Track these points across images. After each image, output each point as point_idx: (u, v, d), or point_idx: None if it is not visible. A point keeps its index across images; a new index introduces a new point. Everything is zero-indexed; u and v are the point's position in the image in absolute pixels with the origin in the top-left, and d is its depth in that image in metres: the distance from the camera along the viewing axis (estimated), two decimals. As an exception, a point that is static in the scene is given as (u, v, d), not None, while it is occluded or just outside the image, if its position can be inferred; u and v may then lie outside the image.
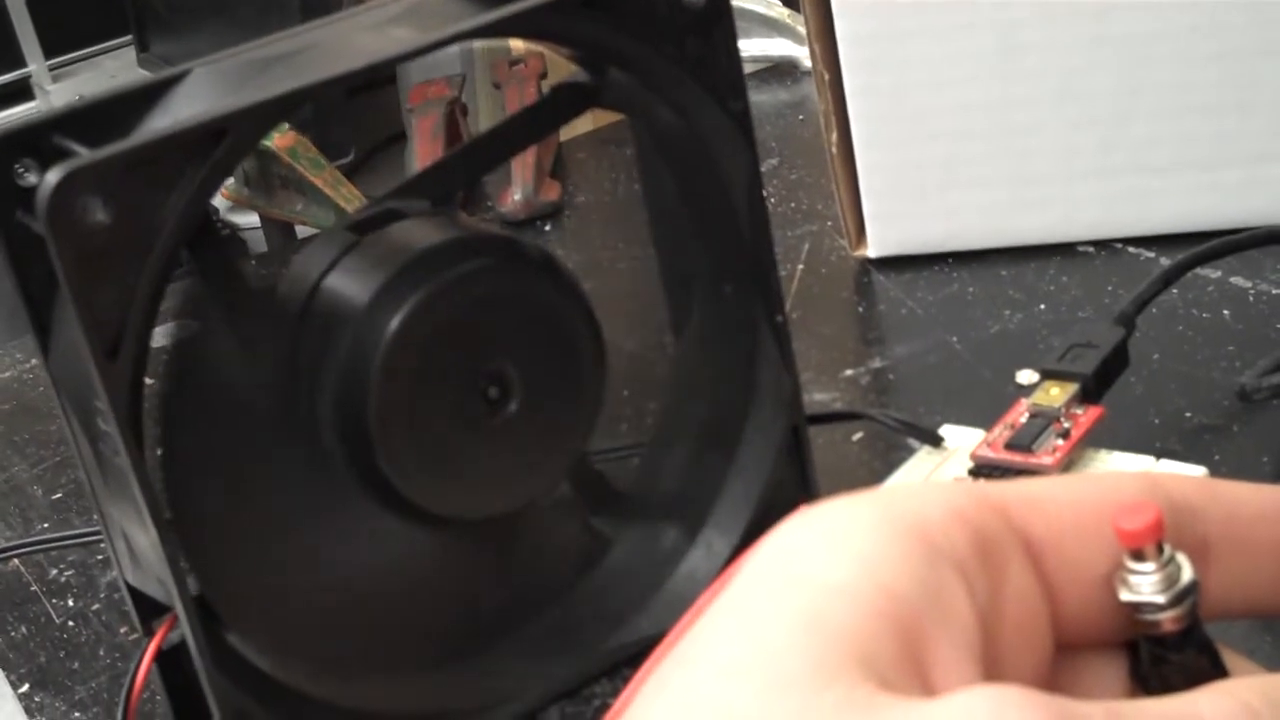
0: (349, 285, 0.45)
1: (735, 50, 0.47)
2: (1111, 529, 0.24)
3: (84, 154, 0.40)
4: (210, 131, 0.39)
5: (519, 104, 0.82)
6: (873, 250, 0.71)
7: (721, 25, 0.47)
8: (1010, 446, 0.51)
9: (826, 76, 0.68)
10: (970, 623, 0.23)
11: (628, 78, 0.48)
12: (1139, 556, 0.24)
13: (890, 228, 0.71)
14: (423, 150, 0.81)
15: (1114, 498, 0.24)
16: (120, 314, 0.39)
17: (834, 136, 0.69)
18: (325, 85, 0.41)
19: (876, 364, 0.64)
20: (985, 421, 0.53)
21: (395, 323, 0.44)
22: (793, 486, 0.52)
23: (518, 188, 0.81)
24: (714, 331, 0.52)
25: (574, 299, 0.47)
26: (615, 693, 0.48)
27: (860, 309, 0.69)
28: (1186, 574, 0.24)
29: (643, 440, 0.54)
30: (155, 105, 0.43)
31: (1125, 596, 0.24)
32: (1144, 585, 0.24)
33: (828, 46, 0.68)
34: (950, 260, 0.70)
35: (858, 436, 0.59)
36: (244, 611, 0.44)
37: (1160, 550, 0.24)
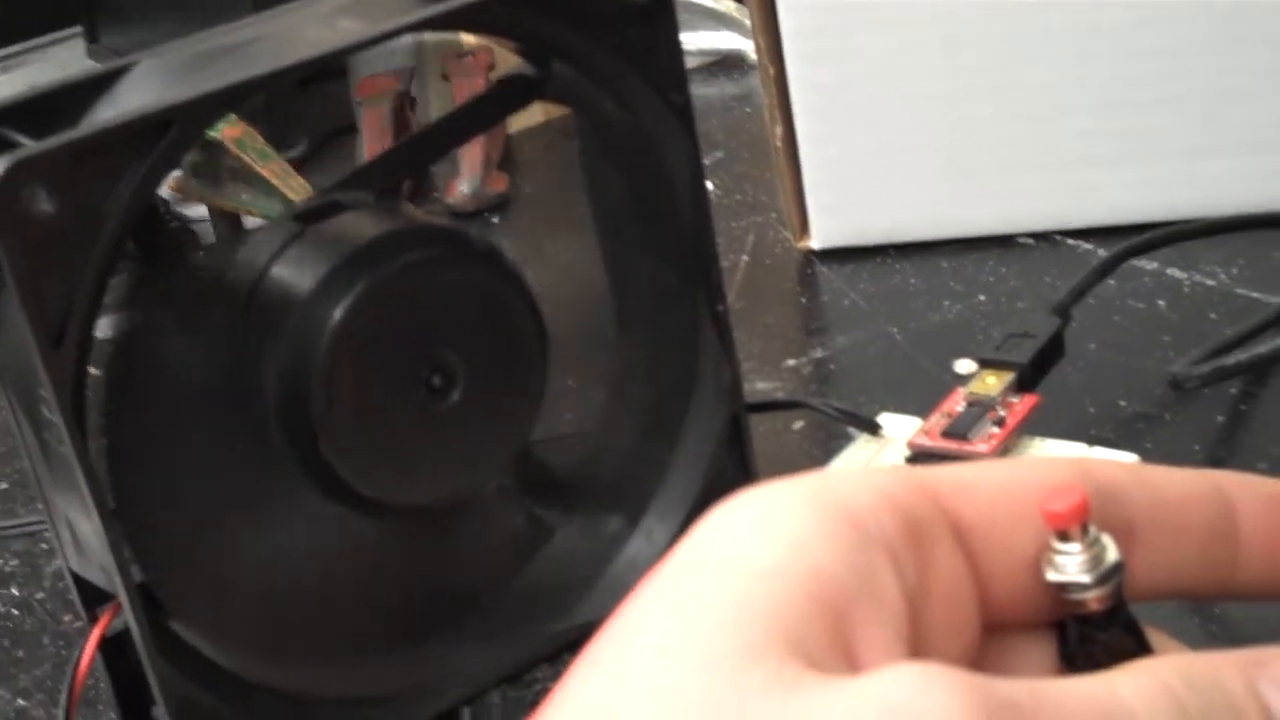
0: (293, 275, 0.45)
1: (677, 43, 0.48)
2: (1038, 512, 0.24)
3: (29, 145, 0.40)
4: (156, 123, 0.40)
5: (467, 96, 0.82)
6: (816, 242, 0.72)
7: (664, 18, 0.47)
8: (947, 434, 0.52)
9: (771, 70, 0.69)
10: (898, 604, 0.23)
11: (571, 70, 0.49)
12: (1065, 538, 0.24)
13: (833, 220, 0.71)
14: (371, 142, 0.82)
15: (1041, 481, 0.25)
16: (65, 303, 0.39)
17: (779, 130, 0.70)
18: (272, 78, 0.41)
19: (818, 354, 0.65)
20: (923, 410, 0.54)
21: (339, 312, 0.44)
22: (733, 475, 0.52)
23: (465, 180, 0.81)
24: (657, 322, 0.53)
25: (517, 289, 0.48)
26: (556, 677, 0.49)
27: (803, 300, 0.70)
28: (1111, 554, 0.24)
29: (585, 429, 0.54)
30: (101, 97, 0.44)
31: (1052, 577, 0.24)
32: (1070, 565, 0.24)
33: (772, 40, 0.68)
34: (892, 252, 0.71)
35: (798, 425, 0.59)
36: (187, 599, 0.44)
37: (1086, 532, 0.24)
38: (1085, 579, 0.24)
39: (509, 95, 0.51)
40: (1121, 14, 0.65)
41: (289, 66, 0.42)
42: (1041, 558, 0.25)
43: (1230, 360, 0.54)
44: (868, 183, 0.70)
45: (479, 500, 0.50)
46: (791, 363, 0.64)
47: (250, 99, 0.42)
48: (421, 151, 0.51)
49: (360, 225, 0.46)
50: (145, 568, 0.43)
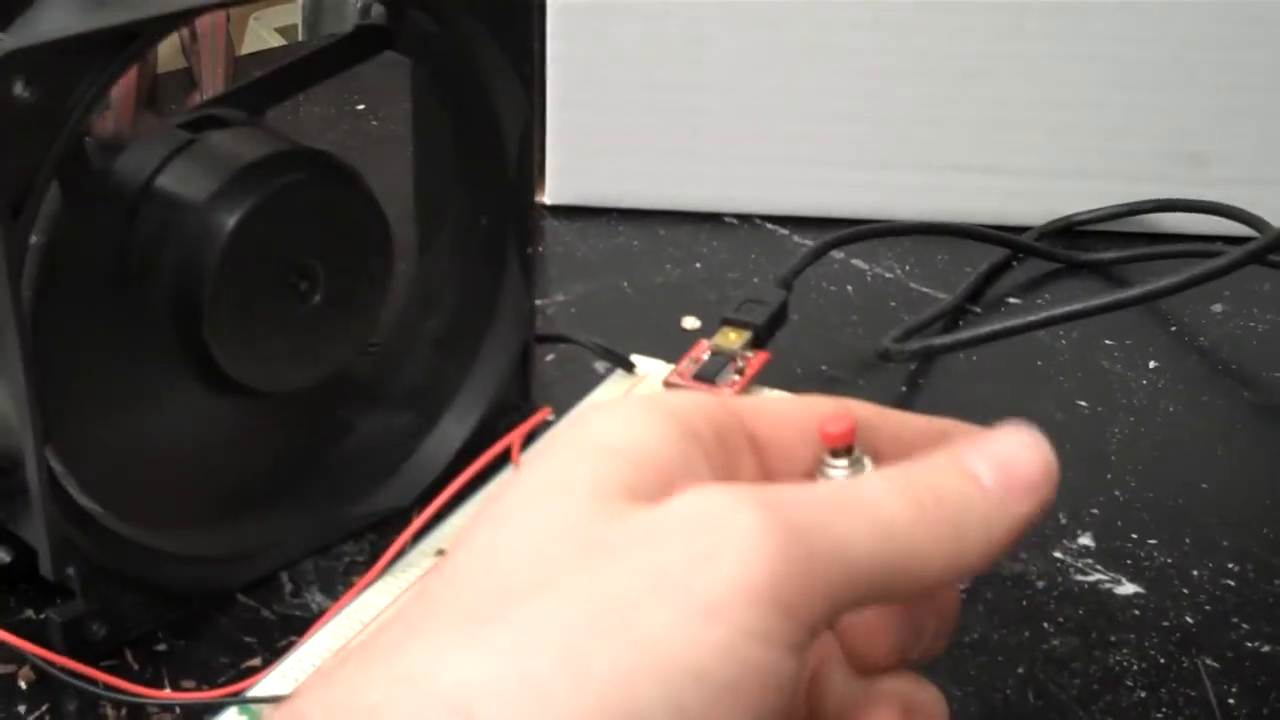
0: (186, 184, 0.51)
1: (532, 21, 0.56)
2: (816, 434, 0.31)
3: (2, 37, 0.45)
4: (125, 33, 0.45)
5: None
6: (549, 198, 0.81)
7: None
8: (697, 377, 0.62)
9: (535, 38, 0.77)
10: (709, 484, 0.30)
11: (428, 26, 0.56)
12: (836, 454, 0.31)
13: (566, 180, 0.80)
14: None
15: (817, 412, 0.32)
16: (27, 181, 0.45)
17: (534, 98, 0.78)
18: (222, 4, 0.48)
19: (560, 298, 0.74)
20: (657, 355, 0.64)
21: (231, 222, 0.51)
22: (516, 392, 0.61)
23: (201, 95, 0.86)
24: (463, 255, 0.61)
25: (373, 207, 0.55)
26: (362, 552, 0.57)
27: (540, 249, 0.78)
28: (869, 470, 0.30)
29: (381, 343, 0.61)
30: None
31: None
32: (839, 477, 0.30)
33: (537, 12, 0.77)
34: (615, 215, 0.81)
35: (550, 358, 0.68)
36: (74, 457, 0.49)
37: (851, 451, 0.30)
38: None
39: (364, 44, 0.58)
40: (839, 37, 0.77)
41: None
42: (816, 470, 0.31)
43: (936, 341, 0.66)
44: (602, 152, 0.80)
45: (301, 394, 0.57)
46: (537, 303, 0.72)
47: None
48: (285, 83, 0.57)
49: (248, 143, 0.53)
50: (46, 427, 0.48)
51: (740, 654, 0.25)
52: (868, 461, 0.31)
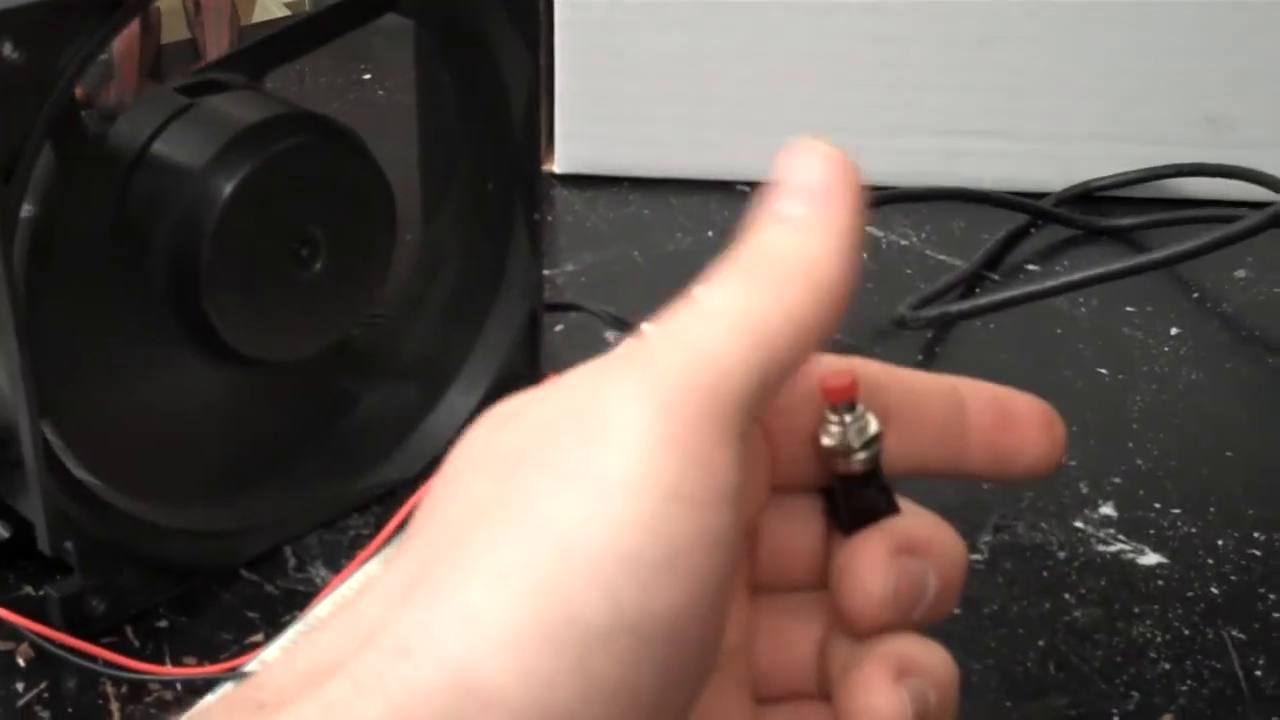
0: (183, 149, 0.50)
1: (536, -18, 0.55)
2: (818, 392, 0.30)
3: (-10, -4, 0.43)
4: (114, -3, 0.44)
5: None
6: (559, 166, 0.79)
7: (525, -43, 0.54)
8: (709, 347, 0.61)
9: (541, 4, 0.76)
10: None
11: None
12: (837, 411, 0.29)
13: (576, 148, 0.79)
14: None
15: (819, 368, 0.30)
16: (18, 144, 0.43)
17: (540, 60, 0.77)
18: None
19: (570, 268, 0.72)
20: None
21: (229, 188, 0.49)
22: (524, 362, 0.60)
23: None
24: (469, 223, 0.59)
25: (374, 172, 0.54)
26: (366, 525, 0.56)
27: (549, 218, 0.77)
28: (873, 426, 0.29)
29: (389, 311, 0.60)
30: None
31: (826, 442, 0.29)
32: (841, 433, 0.29)
33: (545, -22, 0.75)
34: (626, 184, 0.79)
35: (559, 328, 0.67)
36: (72, 430, 0.48)
37: (854, 407, 0.29)
38: (853, 444, 0.29)
39: (366, 6, 0.56)
40: (853, 0, 0.75)
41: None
42: (818, 428, 0.29)
43: (953, 308, 0.64)
44: (612, 120, 0.78)
45: (304, 365, 0.55)
46: (547, 273, 0.71)
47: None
48: (286, 46, 0.56)
49: (246, 107, 0.51)
50: (41, 399, 0.47)
51: (665, 522, 0.24)
52: (871, 418, 0.29)
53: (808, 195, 0.27)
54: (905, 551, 0.29)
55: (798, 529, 0.31)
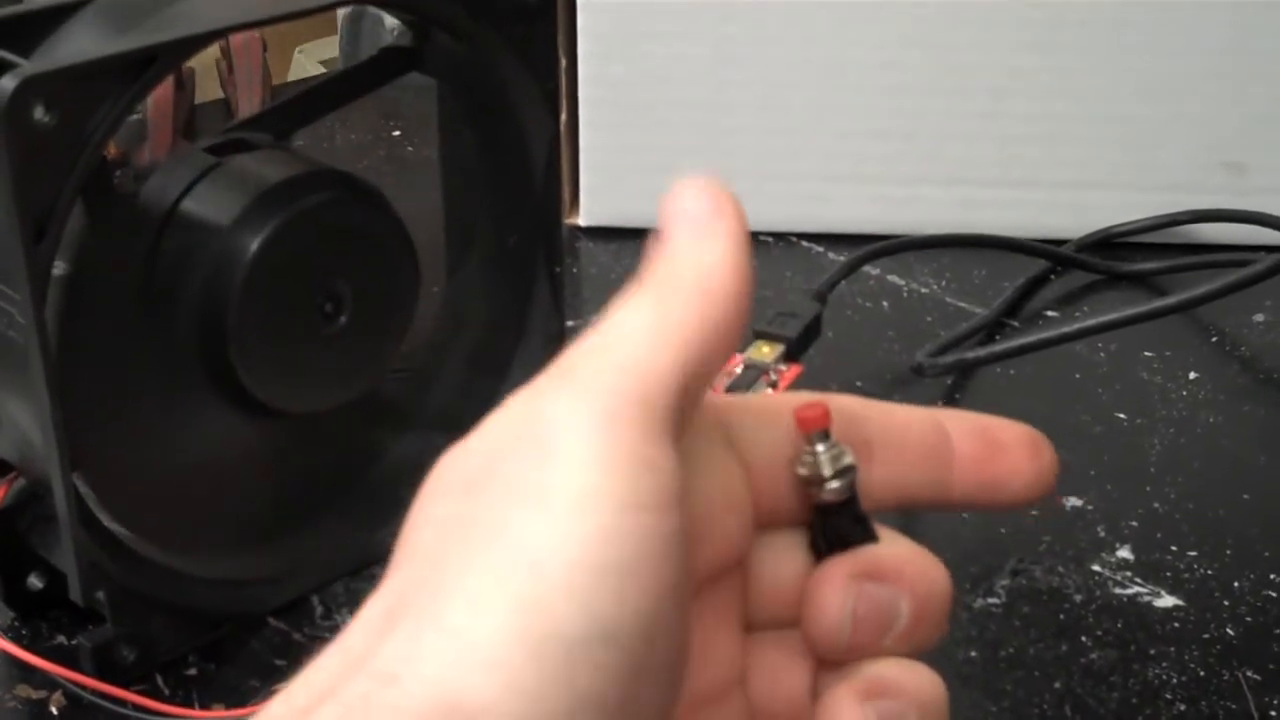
0: (211, 207, 0.51)
1: (555, 37, 0.56)
2: (793, 420, 0.30)
3: (24, 63, 0.45)
4: (143, 57, 0.45)
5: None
6: (584, 220, 0.81)
7: (547, 15, 0.55)
8: (729, 390, 0.62)
9: (564, 63, 0.77)
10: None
11: (452, 46, 0.56)
12: (811, 441, 0.30)
13: (601, 201, 0.80)
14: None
15: (794, 402, 0.31)
16: (50, 205, 0.45)
17: (563, 116, 0.78)
18: (238, 27, 0.48)
19: (593, 319, 0.73)
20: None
21: (256, 244, 0.51)
22: (547, 413, 0.61)
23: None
24: (493, 275, 0.61)
25: (397, 228, 0.55)
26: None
27: (574, 270, 0.78)
28: (848, 458, 0.30)
29: (415, 363, 0.62)
30: (61, 25, 0.49)
31: (801, 472, 0.30)
32: (815, 463, 0.30)
33: (569, 35, 0.77)
34: (650, 236, 0.80)
35: (583, 378, 0.68)
36: (102, 481, 0.50)
37: (828, 437, 0.30)
38: (826, 473, 0.30)
39: (389, 64, 0.58)
40: (869, 54, 0.76)
41: (253, 20, 0.48)
42: (795, 460, 0.30)
43: (970, 355, 0.65)
44: (636, 172, 0.79)
45: (331, 416, 0.57)
46: (570, 323, 0.72)
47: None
48: (311, 106, 0.57)
49: (272, 165, 0.53)
50: (73, 452, 0.48)
51: (625, 530, 0.25)
52: (846, 450, 0.30)
53: (698, 218, 0.30)
54: (867, 577, 0.30)
55: (785, 565, 0.31)
